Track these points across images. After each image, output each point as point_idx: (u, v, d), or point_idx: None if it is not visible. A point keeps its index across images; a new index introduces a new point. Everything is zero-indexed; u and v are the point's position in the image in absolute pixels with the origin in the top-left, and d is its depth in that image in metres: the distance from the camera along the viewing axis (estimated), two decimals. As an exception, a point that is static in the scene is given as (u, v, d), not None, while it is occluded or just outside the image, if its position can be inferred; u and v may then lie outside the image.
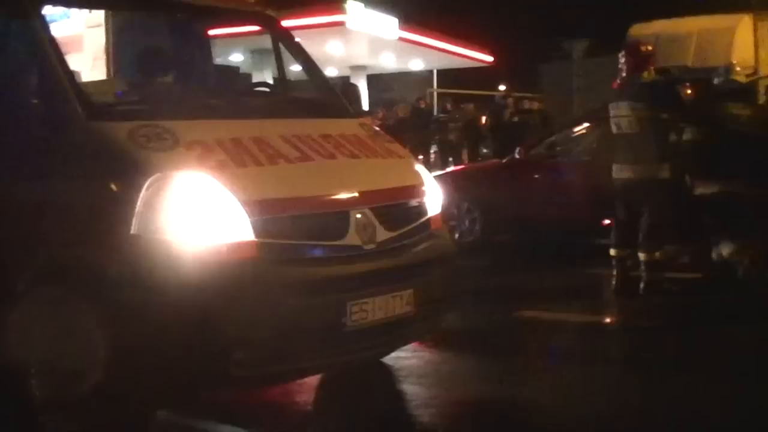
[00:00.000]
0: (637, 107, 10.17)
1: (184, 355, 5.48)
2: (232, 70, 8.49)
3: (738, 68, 14.17)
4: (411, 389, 7.19)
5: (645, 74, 10.42)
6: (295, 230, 5.90)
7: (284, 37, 8.09)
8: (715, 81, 11.35)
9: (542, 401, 6.97)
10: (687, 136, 10.40)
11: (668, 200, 10.23)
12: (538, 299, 10.45)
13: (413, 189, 6.83)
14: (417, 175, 7.02)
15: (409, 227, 6.59)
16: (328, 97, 7.74)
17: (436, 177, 15.07)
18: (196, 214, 5.62)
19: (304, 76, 7.95)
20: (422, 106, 25.51)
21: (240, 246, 5.65)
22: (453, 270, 7.03)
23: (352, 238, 6.10)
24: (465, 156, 23.94)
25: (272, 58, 8.11)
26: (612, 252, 10.57)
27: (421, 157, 23.96)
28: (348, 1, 26.43)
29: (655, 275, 10.33)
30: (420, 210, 6.78)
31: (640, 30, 21.03)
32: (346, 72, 32.30)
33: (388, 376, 7.44)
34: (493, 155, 22.14)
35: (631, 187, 10.29)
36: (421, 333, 7.14)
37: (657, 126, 10.11)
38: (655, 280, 10.35)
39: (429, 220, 6.83)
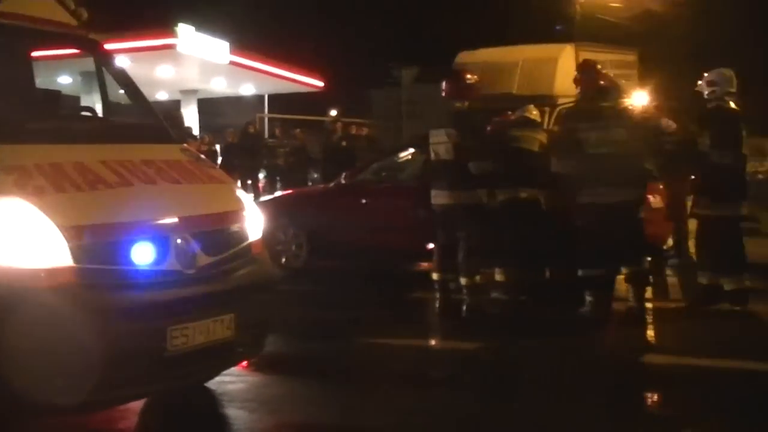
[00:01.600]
0: (452, 134, 10.44)
1: (1, 384, 5.40)
2: (54, 94, 8.33)
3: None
4: (234, 413, 7.18)
5: (458, 103, 10.68)
6: (114, 255, 5.88)
7: (107, 61, 8.03)
8: (516, 114, 11.76)
9: (365, 424, 7.04)
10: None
11: (485, 225, 10.53)
12: (364, 323, 10.55)
13: (234, 214, 6.87)
14: (238, 200, 7.06)
15: (230, 252, 6.63)
16: (150, 122, 7.70)
17: (263, 202, 15.19)
18: (12, 240, 5.56)
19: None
20: (251, 131, 25.40)
21: (58, 271, 5.60)
22: (274, 294, 7.09)
23: (172, 264, 6.12)
24: (293, 181, 23.94)
25: (101, 81, 8.04)
26: (434, 276, 10.79)
27: (249, 182, 23.95)
28: (179, 25, 26.27)
29: (476, 298, 10.58)
30: (241, 235, 6.82)
31: (466, 58, 21.29)
32: (177, 96, 32.07)
33: (211, 400, 7.40)
34: (322, 180, 22.25)
35: (449, 213, 10.53)
36: (243, 357, 7.19)
37: (472, 153, 10.39)
38: (477, 302, 10.59)
39: (250, 245, 6.88)
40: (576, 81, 10.72)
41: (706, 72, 10.83)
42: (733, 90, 10.68)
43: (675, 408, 7.40)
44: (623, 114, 10.44)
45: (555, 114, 17.23)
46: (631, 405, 7.35)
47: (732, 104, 10.65)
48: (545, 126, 12.58)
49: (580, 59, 20.84)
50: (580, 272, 10.27)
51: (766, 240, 17.76)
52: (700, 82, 10.87)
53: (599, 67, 10.82)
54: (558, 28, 35.01)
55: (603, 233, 10.03)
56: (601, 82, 10.58)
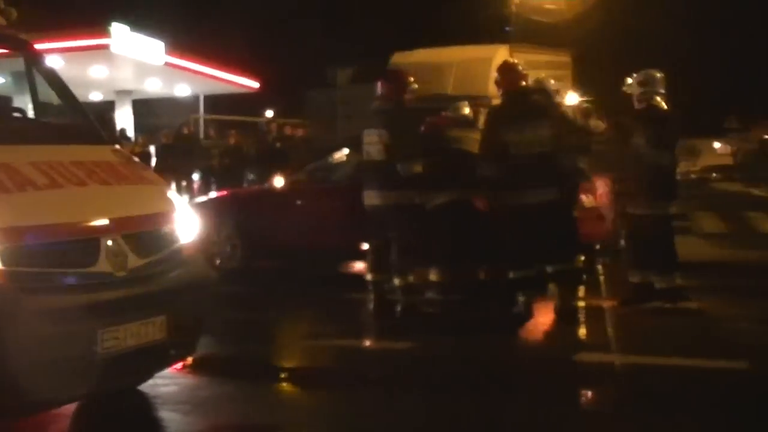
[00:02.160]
0: (383, 135, 10.45)
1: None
2: (-20, 95, 8.23)
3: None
4: (168, 416, 7.13)
5: (390, 104, 10.68)
6: (44, 258, 5.83)
7: (37, 61, 7.94)
8: (448, 112, 11.75)
9: (299, 425, 7.05)
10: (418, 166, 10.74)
11: (418, 225, 10.56)
12: (298, 324, 10.55)
13: (165, 216, 6.83)
14: (169, 201, 7.03)
15: (162, 254, 6.59)
16: (81, 123, 7.63)
17: (197, 203, 15.11)
18: (-62, 243, 5.50)
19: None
20: (186, 132, 25.32)
21: None
22: (207, 296, 7.07)
23: (102, 266, 6.08)
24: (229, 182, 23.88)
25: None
26: (368, 276, 10.79)
27: (184, 183, 23.85)
28: (113, 24, 26.06)
29: (410, 298, 10.61)
30: (173, 237, 6.79)
31: (401, 58, 21.38)
32: (111, 97, 31.80)
33: (144, 403, 7.34)
34: (257, 181, 22.23)
35: (381, 213, 10.55)
36: (176, 359, 7.15)
37: (400, 154, 10.41)
38: (411, 302, 10.62)
39: (183, 246, 6.84)
40: (497, 83, 10.73)
41: (635, 72, 10.91)
42: (663, 91, 10.78)
43: (605, 405, 7.50)
44: (548, 113, 10.47)
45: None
46: (564, 402, 7.38)
47: (664, 105, 10.75)
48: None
49: (515, 60, 21.09)
50: (511, 274, 10.33)
51: (697, 239, 18.08)
52: (629, 82, 10.94)
53: (520, 67, 10.80)
54: (507, 29, 35.29)
55: (533, 233, 10.10)
56: (523, 83, 10.60)
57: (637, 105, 10.79)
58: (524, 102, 10.44)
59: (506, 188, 10.18)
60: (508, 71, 10.69)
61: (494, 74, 16.95)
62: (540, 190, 10.06)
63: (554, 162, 10.16)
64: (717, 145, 54.85)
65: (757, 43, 57.81)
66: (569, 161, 10.45)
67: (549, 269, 10.36)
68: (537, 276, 10.35)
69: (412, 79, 11.18)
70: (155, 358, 6.63)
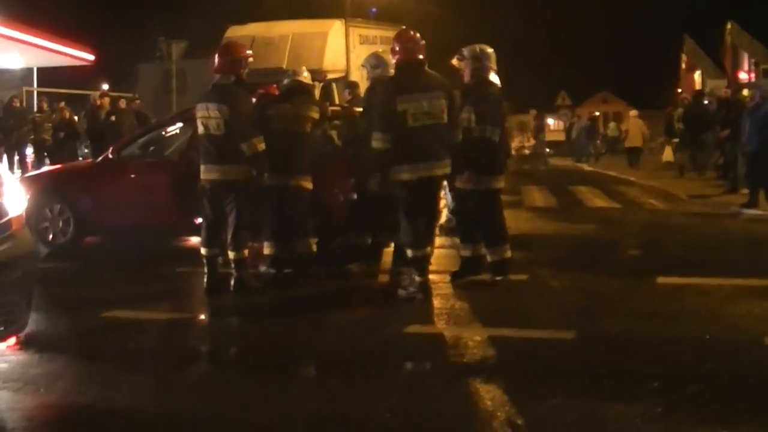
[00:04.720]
0: (222, 109, 10.35)
1: None
2: None
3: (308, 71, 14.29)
4: (-3, 393, 7.05)
5: (225, 77, 10.61)
6: None
7: None
8: (285, 81, 11.64)
9: (133, 402, 6.96)
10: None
11: (253, 200, 10.57)
12: (131, 299, 10.40)
13: None
14: (-6, 175, 6.94)
15: (-14, 228, 6.51)
16: None
17: (30, 177, 14.84)
18: None
19: None
20: (16, 105, 24.80)
21: None
22: (36, 271, 7.00)
23: None
24: (62, 157, 23.49)
25: None
26: (203, 251, 10.74)
27: (17, 157, 23.41)
28: (-64, -9, 25.31)
29: (243, 273, 10.62)
30: (-2, 210, 6.70)
31: (236, 32, 21.37)
32: (-66, 69, 30.87)
33: (-28, 381, 7.25)
34: (91, 155, 21.94)
35: (217, 188, 10.51)
36: (4, 336, 7.06)
37: (241, 131, 10.36)
38: (245, 277, 10.64)
39: (9, 221, 6.76)
40: (393, 51, 10.39)
41: (464, 48, 10.97)
42: (495, 67, 10.87)
43: (434, 376, 7.60)
44: (444, 86, 10.28)
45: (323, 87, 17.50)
46: (392, 373, 7.51)
47: (495, 80, 10.84)
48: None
49: (350, 34, 21.29)
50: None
51: (527, 212, 18.55)
52: (458, 57, 10.97)
53: (419, 38, 10.44)
54: (373, 10, 35.54)
55: (418, 208, 10.18)
56: (420, 55, 10.34)
57: (467, 80, 10.84)
58: (421, 73, 10.23)
59: (401, 161, 10.06)
60: (407, 41, 10.39)
61: (330, 48, 16.96)
62: (438, 163, 10.10)
63: (448, 136, 10.17)
64: (550, 121, 56.07)
65: (587, 23, 59.52)
66: (454, 133, 10.36)
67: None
68: (372, 247, 10.47)
69: (249, 52, 11.13)
70: (-19, 336, 6.55)
